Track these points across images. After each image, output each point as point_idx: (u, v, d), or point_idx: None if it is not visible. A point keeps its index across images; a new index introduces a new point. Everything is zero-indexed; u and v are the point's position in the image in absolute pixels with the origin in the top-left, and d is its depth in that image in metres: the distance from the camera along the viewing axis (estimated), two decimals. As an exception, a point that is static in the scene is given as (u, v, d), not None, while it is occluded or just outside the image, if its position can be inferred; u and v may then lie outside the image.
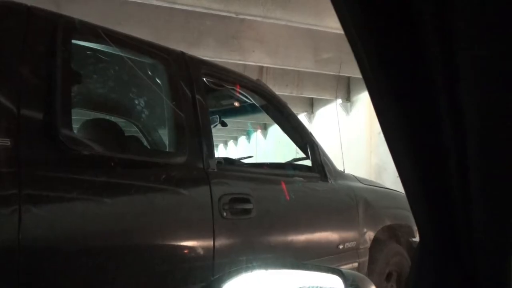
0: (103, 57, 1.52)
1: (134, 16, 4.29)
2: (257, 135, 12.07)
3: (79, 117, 1.92)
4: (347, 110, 7.47)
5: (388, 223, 2.37)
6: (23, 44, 1.12)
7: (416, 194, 0.43)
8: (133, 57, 1.49)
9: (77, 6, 3.60)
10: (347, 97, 7.43)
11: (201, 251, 1.37)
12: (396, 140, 0.40)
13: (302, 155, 2.18)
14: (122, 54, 1.44)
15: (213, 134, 1.63)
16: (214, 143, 1.64)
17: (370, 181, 2.71)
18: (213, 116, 2.19)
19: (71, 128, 1.16)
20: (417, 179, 0.42)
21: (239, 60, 5.23)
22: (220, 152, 16.62)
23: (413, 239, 2.58)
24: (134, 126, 2.38)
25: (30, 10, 1.17)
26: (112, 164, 1.22)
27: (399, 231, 2.55)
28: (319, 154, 2.09)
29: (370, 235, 2.21)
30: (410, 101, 0.37)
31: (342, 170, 2.33)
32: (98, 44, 1.38)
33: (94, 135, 1.62)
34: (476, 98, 0.33)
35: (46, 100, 1.12)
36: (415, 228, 2.41)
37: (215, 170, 1.52)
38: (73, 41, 1.24)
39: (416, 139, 0.39)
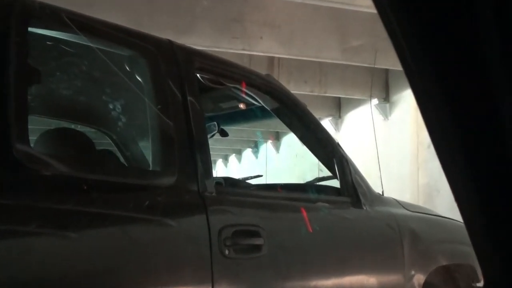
0: (68, 49, 1.54)
1: (108, -4, 4.37)
2: (268, 147, 12.07)
3: (37, 126, 1.95)
4: (386, 114, 7.47)
5: (443, 262, 2.34)
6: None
7: (478, 223, 0.43)
8: (107, 49, 1.52)
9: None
10: (385, 97, 7.43)
11: (195, 301, 1.37)
12: (450, 153, 0.40)
13: (327, 173, 2.18)
14: (93, 45, 1.46)
15: (211, 146, 1.64)
16: (212, 159, 1.64)
17: (418, 206, 2.68)
18: (210, 124, 2.21)
19: (27, 141, 1.17)
20: (479, 203, 0.42)
21: (243, 50, 5.28)
22: (220, 170, 16.63)
23: (477, 284, 2.54)
24: (108, 138, 2.41)
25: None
26: (80, 187, 1.23)
27: (457, 273, 2.51)
28: (350, 172, 2.09)
29: (419, 279, 2.18)
30: (467, 101, 0.37)
31: (381, 193, 2.32)
32: (62, 33, 1.41)
33: (56, 149, 1.64)
34: None
35: (-4, 105, 1.14)
36: (479, 269, 2.37)
37: (214, 194, 1.52)
38: (31, 29, 1.27)
39: (477, 151, 0.39)
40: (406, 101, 6.93)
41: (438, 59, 0.36)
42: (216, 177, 1.82)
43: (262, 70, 3.00)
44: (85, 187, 1.23)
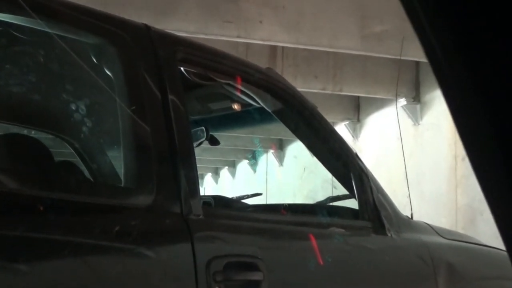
0: (20, 35, 1.55)
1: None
2: (269, 159, 12.07)
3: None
4: (416, 117, 7.47)
5: (488, 304, 2.35)
6: None
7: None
8: (68, 35, 1.52)
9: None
10: (415, 96, 7.43)
11: None
12: (490, 173, 0.41)
13: (343, 191, 2.18)
14: (51, 31, 1.47)
15: (198, 157, 1.65)
16: (199, 173, 1.65)
17: (457, 233, 2.68)
18: (197, 129, 2.21)
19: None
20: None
21: (238, 36, 5.29)
22: (209, 187, 16.60)
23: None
24: (69, 146, 2.41)
25: None
26: (34, 208, 1.23)
27: (507, 318, 2.51)
28: (371, 190, 2.09)
29: (458, 324, 2.18)
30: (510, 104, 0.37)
31: (410, 216, 2.33)
32: (12, 15, 1.42)
33: (5, 161, 1.64)
34: None
35: None
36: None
37: (201, 217, 1.53)
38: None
39: None
40: (442, 101, 6.87)
41: (473, 53, 0.37)
42: (204, 196, 1.82)
43: (261, 63, 3.01)
44: (41, 208, 1.24)
